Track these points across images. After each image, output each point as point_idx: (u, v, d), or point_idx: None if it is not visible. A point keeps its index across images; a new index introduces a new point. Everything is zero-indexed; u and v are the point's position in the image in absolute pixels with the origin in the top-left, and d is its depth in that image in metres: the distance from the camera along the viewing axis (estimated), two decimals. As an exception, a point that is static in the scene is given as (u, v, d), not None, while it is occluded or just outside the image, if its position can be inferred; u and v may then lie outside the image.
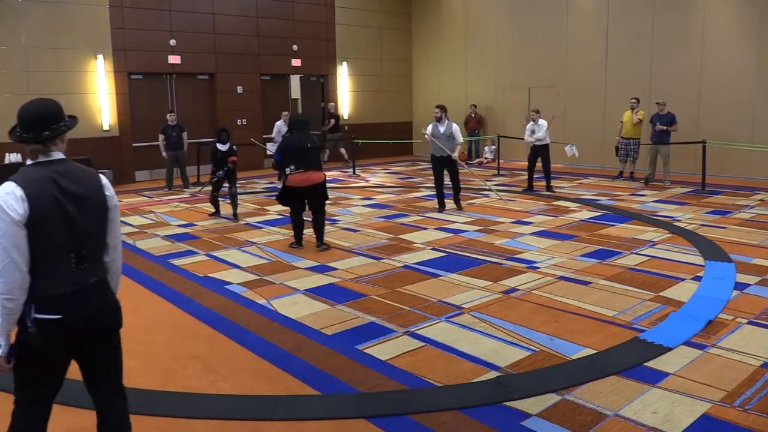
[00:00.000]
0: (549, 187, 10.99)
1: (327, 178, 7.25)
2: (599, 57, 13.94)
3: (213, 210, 9.50)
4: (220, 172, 9.07)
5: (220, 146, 9.15)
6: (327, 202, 7.31)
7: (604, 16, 13.81)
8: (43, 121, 2.36)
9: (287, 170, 6.89)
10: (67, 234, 2.32)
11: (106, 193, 2.46)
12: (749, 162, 11.96)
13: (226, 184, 9.24)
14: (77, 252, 2.35)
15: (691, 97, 12.48)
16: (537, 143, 10.90)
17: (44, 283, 2.29)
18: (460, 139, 9.21)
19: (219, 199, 9.46)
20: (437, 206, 9.42)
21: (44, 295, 2.30)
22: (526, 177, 11.34)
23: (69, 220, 2.32)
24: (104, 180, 2.49)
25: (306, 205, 7.15)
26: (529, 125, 11.05)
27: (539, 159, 11.01)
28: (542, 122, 10.90)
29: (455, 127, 9.18)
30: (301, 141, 6.93)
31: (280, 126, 13.18)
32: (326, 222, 7.54)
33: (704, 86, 12.38)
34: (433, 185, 9.65)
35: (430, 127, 9.30)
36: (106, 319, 2.50)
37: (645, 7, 13.06)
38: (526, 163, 11.42)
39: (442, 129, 9.15)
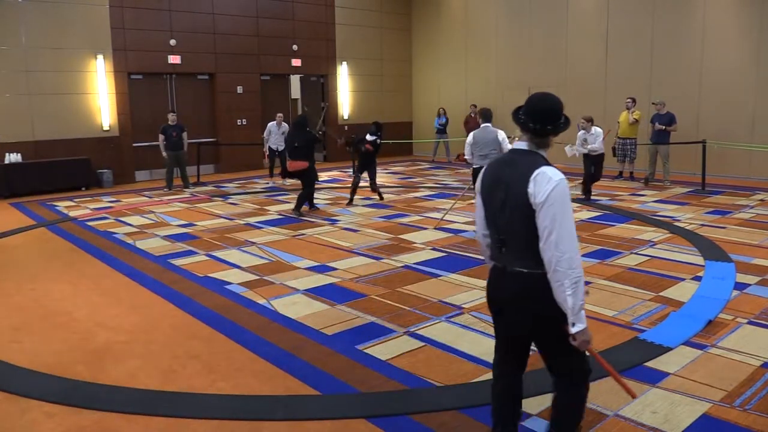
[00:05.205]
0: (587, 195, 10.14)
1: (307, 167, 9.19)
2: (599, 57, 13.94)
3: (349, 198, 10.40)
4: (363, 149, 10.25)
5: (368, 137, 10.28)
6: (316, 186, 9.65)
7: (604, 16, 13.81)
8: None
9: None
10: None
11: None
12: (749, 162, 11.96)
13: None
14: None
15: (691, 97, 12.48)
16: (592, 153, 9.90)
17: None
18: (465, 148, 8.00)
19: (357, 186, 10.38)
20: None
21: None
22: None
23: None
24: None
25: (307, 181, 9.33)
26: (581, 134, 10.02)
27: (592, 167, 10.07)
28: (597, 130, 9.90)
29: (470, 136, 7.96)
30: (291, 138, 9.39)
31: (272, 127, 13.14)
32: (328, 222, 7.67)
33: (704, 86, 12.38)
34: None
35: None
36: None
37: (645, 7, 13.06)
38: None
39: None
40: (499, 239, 2.55)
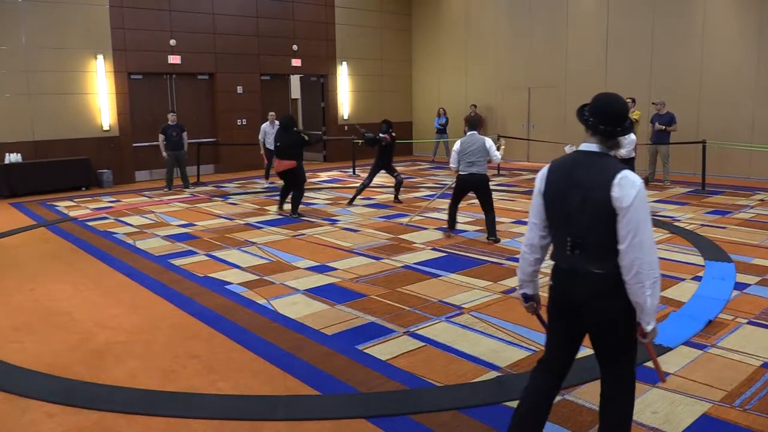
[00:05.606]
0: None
1: (295, 167, 9.20)
2: (599, 57, 13.94)
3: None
4: (383, 143, 10.19)
5: (380, 135, 10.23)
6: (306, 186, 9.76)
7: (604, 16, 13.81)
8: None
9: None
10: None
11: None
12: (749, 162, 11.96)
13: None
14: None
15: (691, 97, 12.48)
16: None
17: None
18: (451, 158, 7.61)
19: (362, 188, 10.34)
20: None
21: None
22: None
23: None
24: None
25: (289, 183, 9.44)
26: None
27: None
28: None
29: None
30: (276, 138, 9.45)
31: (266, 128, 13.10)
32: (328, 222, 7.63)
33: (704, 86, 12.39)
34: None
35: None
36: None
37: (645, 7, 13.06)
38: (526, 163, 11.38)
39: None
40: (573, 241, 2.54)
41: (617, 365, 2.63)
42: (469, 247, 7.06)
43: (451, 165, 7.45)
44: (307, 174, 14.50)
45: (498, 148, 7.48)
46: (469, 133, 7.42)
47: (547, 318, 2.78)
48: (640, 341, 2.55)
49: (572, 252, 2.55)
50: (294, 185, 9.32)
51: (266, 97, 15.78)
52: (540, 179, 2.69)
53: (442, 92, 17.73)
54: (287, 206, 9.59)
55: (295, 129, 9.41)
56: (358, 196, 10.33)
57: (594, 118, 2.54)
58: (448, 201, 7.86)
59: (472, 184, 7.35)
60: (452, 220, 7.73)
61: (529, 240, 2.76)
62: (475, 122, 7.66)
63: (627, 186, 2.40)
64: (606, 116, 2.52)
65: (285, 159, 9.14)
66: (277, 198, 10.14)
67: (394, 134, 10.32)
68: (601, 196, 2.43)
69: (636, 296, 2.42)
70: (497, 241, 7.31)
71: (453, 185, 7.71)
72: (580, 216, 2.50)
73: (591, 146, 2.56)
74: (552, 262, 2.70)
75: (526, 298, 2.87)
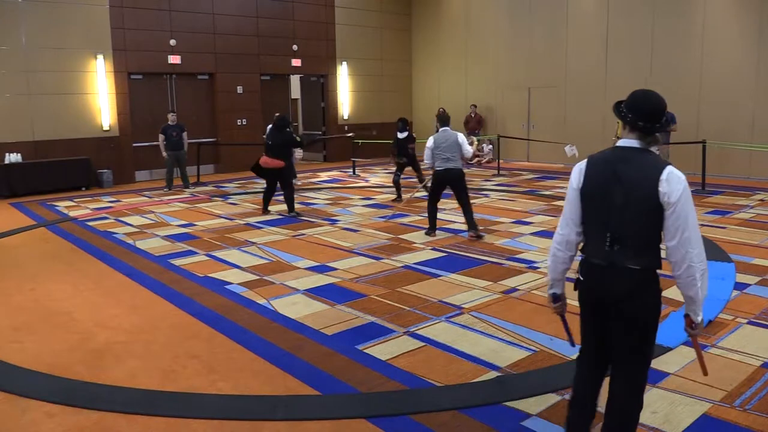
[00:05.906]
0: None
1: (283, 166, 9.30)
2: (599, 57, 13.94)
3: (395, 196, 10.46)
4: (404, 159, 10.18)
5: (399, 135, 10.19)
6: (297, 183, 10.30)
7: (604, 16, 13.81)
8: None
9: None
10: None
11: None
12: (749, 162, 11.96)
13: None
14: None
15: (691, 97, 12.48)
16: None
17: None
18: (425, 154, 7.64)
19: (400, 183, 10.44)
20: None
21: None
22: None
23: None
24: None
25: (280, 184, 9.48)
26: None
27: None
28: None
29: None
30: (269, 137, 9.71)
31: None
32: (328, 222, 7.61)
33: (704, 86, 12.38)
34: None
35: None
36: None
37: (645, 7, 13.06)
38: (526, 163, 11.36)
39: None
40: (613, 237, 2.52)
41: (633, 365, 2.62)
42: (469, 247, 7.06)
43: (426, 162, 7.56)
44: (307, 174, 14.58)
45: (470, 144, 7.57)
46: (441, 130, 7.55)
47: (580, 313, 2.77)
48: (689, 333, 2.57)
49: (611, 247, 2.53)
50: (281, 185, 9.39)
51: (266, 97, 15.78)
52: (576, 175, 2.66)
53: (442, 92, 17.73)
54: (272, 208, 9.68)
55: (288, 129, 9.53)
56: (377, 196, 10.57)
57: (632, 115, 2.54)
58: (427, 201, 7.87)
59: (450, 180, 7.47)
60: (433, 221, 7.77)
61: (565, 237, 2.71)
62: (446, 119, 7.73)
63: (674, 181, 2.41)
64: (643, 113, 2.52)
65: (275, 158, 9.23)
66: (279, 198, 10.15)
67: (414, 135, 10.45)
68: (647, 192, 2.43)
69: (687, 289, 2.45)
70: (480, 236, 7.42)
71: (428, 183, 7.75)
72: (623, 211, 2.49)
73: (631, 142, 2.56)
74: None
75: (556, 298, 2.83)
